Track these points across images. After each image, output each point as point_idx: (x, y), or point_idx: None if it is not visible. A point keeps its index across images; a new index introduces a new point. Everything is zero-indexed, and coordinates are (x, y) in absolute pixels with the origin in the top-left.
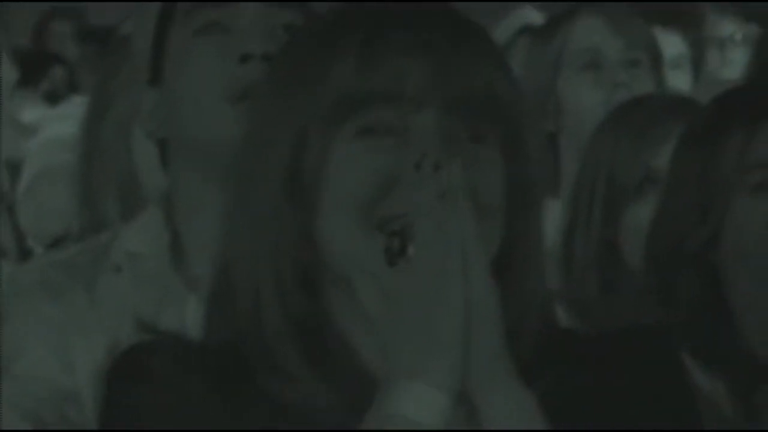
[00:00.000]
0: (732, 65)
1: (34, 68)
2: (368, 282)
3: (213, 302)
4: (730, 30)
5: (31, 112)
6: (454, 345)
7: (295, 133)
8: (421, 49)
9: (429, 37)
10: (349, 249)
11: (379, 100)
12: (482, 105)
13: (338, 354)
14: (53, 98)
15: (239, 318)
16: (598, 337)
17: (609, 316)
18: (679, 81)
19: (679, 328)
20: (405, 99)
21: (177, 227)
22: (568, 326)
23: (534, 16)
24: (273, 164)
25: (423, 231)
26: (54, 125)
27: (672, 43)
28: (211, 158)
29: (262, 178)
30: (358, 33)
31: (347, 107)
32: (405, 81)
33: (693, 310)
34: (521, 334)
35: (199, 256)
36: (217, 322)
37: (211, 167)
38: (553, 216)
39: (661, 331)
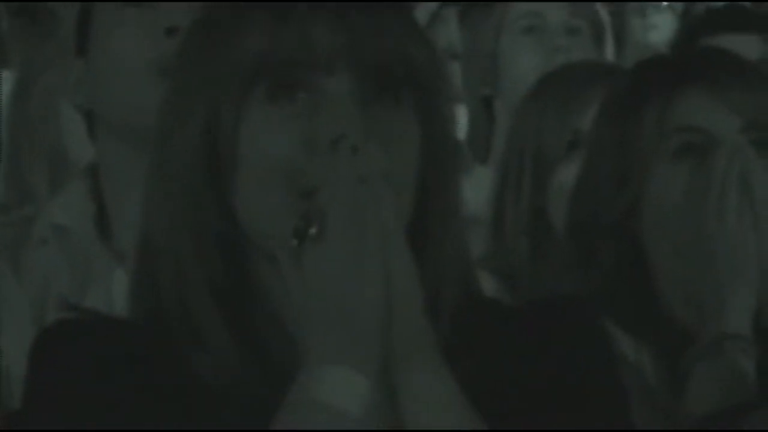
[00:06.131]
0: (656, 30)
1: None
2: (289, 256)
3: (137, 276)
4: None
5: None
6: (374, 328)
7: (208, 102)
8: (334, 15)
9: (341, 4)
10: (269, 221)
11: (291, 63)
12: (396, 69)
13: (264, 326)
14: None
15: (163, 292)
16: (521, 308)
17: (536, 283)
18: None
19: (601, 296)
20: (317, 62)
21: (103, 200)
22: (492, 296)
23: None
24: (188, 134)
25: (339, 214)
26: None
27: None
28: (136, 130)
29: (179, 149)
30: (270, 2)
31: (258, 72)
32: (316, 45)
33: (614, 278)
34: (441, 307)
35: (125, 228)
36: (142, 296)
37: (136, 139)
38: (483, 183)
39: (584, 299)
